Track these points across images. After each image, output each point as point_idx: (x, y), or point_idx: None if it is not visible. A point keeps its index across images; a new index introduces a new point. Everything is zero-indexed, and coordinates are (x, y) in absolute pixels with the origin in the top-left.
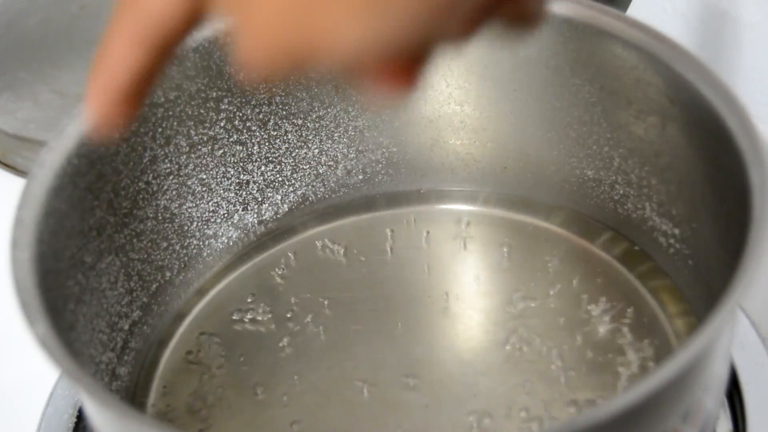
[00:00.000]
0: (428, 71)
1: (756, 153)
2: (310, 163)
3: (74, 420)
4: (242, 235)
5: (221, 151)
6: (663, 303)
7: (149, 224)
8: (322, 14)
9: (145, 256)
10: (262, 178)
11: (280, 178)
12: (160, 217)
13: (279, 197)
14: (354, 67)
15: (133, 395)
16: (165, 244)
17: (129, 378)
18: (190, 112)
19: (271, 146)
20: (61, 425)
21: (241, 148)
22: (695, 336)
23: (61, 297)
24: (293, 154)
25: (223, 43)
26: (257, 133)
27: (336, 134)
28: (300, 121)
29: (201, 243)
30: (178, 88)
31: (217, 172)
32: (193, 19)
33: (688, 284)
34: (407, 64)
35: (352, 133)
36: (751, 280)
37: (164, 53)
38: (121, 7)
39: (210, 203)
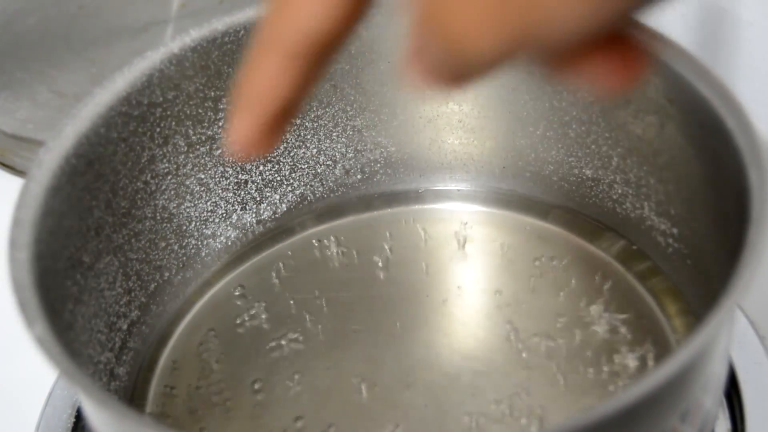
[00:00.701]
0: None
1: (755, 152)
2: (308, 163)
3: (73, 420)
4: (240, 235)
5: (219, 151)
6: (661, 302)
7: (147, 224)
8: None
9: (144, 256)
10: (260, 177)
11: (278, 178)
12: (159, 217)
13: (277, 197)
14: (579, 50)
15: (131, 395)
16: (163, 244)
17: (128, 378)
18: (188, 112)
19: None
20: (59, 425)
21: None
22: (694, 335)
23: (60, 297)
24: (291, 154)
25: (221, 43)
26: None
27: (334, 134)
28: (298, 121)
29: (199, 243)
30: (176, 88)
31: (215, 172)
32: (352, 18)
33: (686, 283)
34: (620, 44)
35: (351, 133)
36: (750, 280)
37: (322, 64)
38: (268, 17)
39: (208, 203)
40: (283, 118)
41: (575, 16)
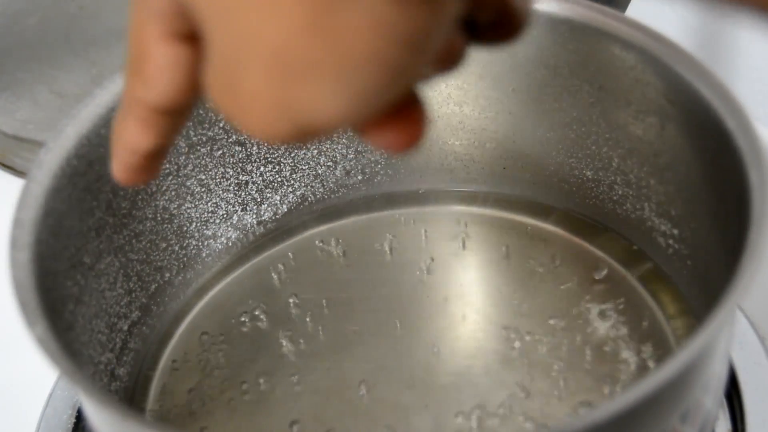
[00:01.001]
0: (428, 114)
1: (755, 153)
2: (309, 164)
3: (73, 420)
4: (241, 236)
5: (220, 152)
6: (662, 303)
7: (148, 225)
8: (305, 97)
9: (144, 256)
10: (261, 178)
11: (279, 179)
12: (159, 218)
13: (278, 198)
14: (357, 128)
15: (132, 396)
16: (164, 245)
17: (128, 378)
18: None
19: (269, 147)
20: (60, 426)
21: (240, 149)
22: (694, 336)
23: (60, 298)
24: (292, 155)
25: None
26: None
27: (335, 134)
28: None
29: (200, 243)
30: None
31: (216, 173)
32: (191, 100)
33: (686, 284)
34: (407, 108)
35: (351, 133)
36: (750, 281)
37: (174, 124)
38: (126, 82)
39: (209, 204)
40: (152, 160)
41: (335, 113)
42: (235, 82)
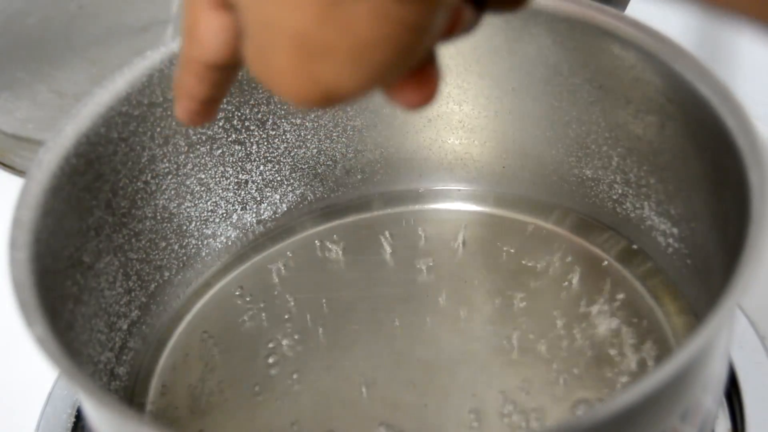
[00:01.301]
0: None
1: (755, 152)
2: (308, 163)
3: (73, 420)
4: (241, 235)
5: (220, 151)
6: (662, 302)
7: (148, 224)
8: (325, 72)
9: (144, 255)
10: (260, 177)
11: (278, 178)
12: (159, 217)
13: (278, 197)
14: (379, 90)
15: (131, 395)
16: (163, 244)
17: (128, 378)
18: None
19: (269, 146)
20: (59, 425)
21: (239, 148)
22: (694, 335)
23: (60, 297)
24: (292, 154)
25: None
26: (256, 133)
27: (334, 134)
28: (298, 121)
29: (199, 243)
30: None
31: (215, 172)
32: (239, 57)
33: (686, 283)
34: (421, 70)
35: (351, 133)
36: (750, 280)
37: (224, 82)
38: (182, 43)
39: (208, 203)
40: (208, 105)
41: (354, 85)
42: (266, 55)
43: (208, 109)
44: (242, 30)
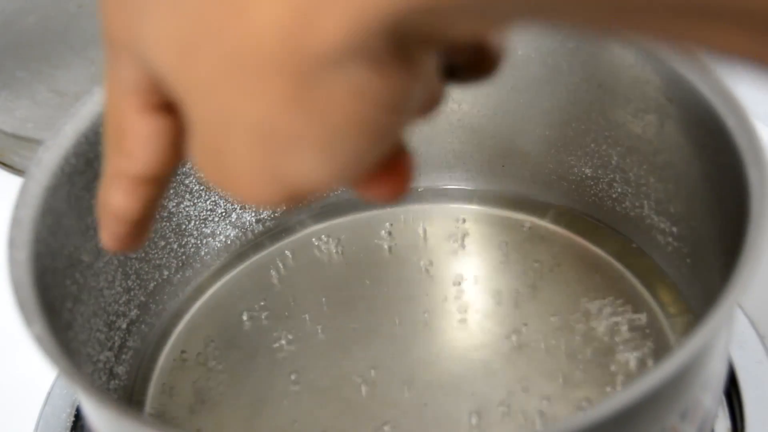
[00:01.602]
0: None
1: (754, 151)
2: None
3: (72, 419)
4: (240, 234)
5: None
6: (661, 301)
7: None
8: (292, 167)
9: (143, 254)
10: None
11: None
12: (158, 216)
13: None
14: (347, 185)
15: (131, 394)
16: (162, 243)
17: (127, 377)
18: None
19: None
20: (58, 424)
21: None
22: (693, 334)
23: (59, 296)
24: None
25: None
26: None
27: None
28: None
29: (199, 242)
30: None
31: None
32: (176, 165)
33: (686, 282)
34: (393, 161)
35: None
36: (750, 279)
37: (158, 197)
38: (107, 153)
39: (208, 202)
40: (140, 227)
41: (322, 179)
42: (220, 155)
43: (139, 230)
44: (185, 131)
